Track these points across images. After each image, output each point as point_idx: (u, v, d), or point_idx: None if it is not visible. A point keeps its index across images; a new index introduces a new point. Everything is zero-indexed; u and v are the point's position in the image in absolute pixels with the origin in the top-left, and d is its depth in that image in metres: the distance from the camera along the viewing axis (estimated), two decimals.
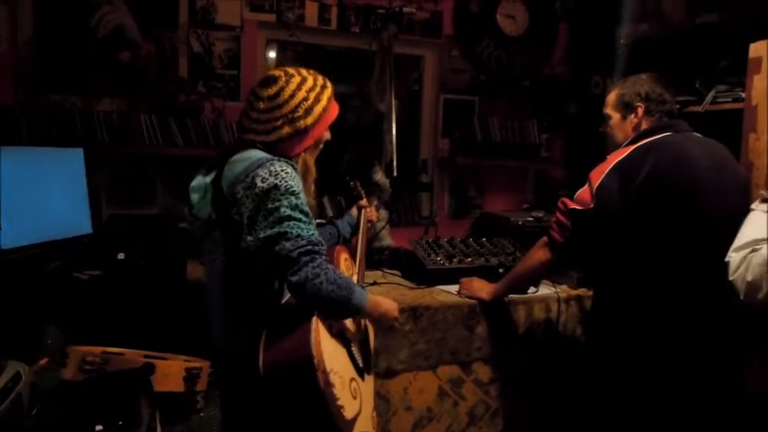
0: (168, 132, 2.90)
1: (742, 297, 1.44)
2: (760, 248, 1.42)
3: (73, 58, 2.81)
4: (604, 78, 3.44)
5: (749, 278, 1.41)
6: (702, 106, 2.60)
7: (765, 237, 1.44)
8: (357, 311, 1.37)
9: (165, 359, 1.69)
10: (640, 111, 1.87)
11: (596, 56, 3.47)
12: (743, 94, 2.40)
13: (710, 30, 2.64)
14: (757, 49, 2.21)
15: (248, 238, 1.29)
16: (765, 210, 1.53)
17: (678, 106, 2.03)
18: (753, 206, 1.57)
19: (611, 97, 1.96)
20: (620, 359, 1.78)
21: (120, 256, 2.30)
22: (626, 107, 1.90)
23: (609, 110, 1.96)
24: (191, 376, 1.71)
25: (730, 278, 1.47)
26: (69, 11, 2.79)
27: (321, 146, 1.51)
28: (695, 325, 1.68)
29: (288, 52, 3.31)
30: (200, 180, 1.42)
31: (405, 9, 3.16)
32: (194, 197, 1.41)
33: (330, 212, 3.13)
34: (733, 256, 1.49)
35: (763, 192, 1.60)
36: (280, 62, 3.32)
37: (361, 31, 3.27)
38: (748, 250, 1.45)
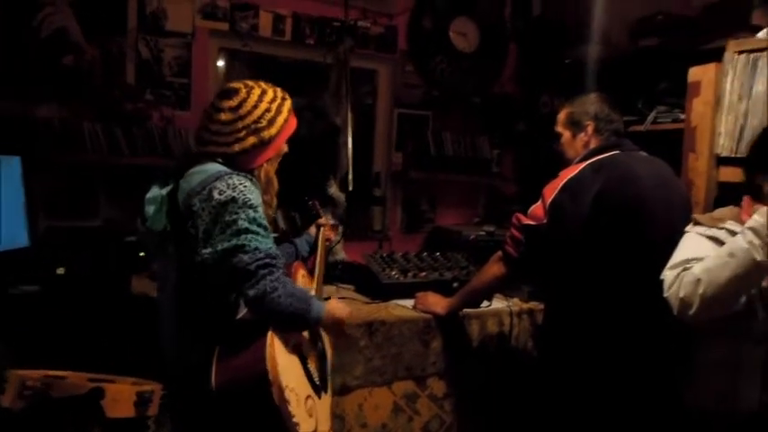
0: (113, 141, 2.78)
1: (675, 313, 1.51)
2: (691, 267, 1.50)
3: (11, 59, 2.67)
4: (552, 97, 3.55)
5: (681, 294, 1.48)
6: (644, 126, 2.72)
7: (696, 257, 1.52)
8: (316, 323, 1.36)
9: (112, 382, 1.59)
10: (590, 129, 1.94)
11: (544, 75, 3.59)
12: (682, 116, 2.53)
13: (651, 53, 2.77)
14: (696, 73, 2.33)
15: (204, 250, 1.26)
16: (697, 232, 1.61)
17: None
18: (687, 229, 1.65)
19: (562, 116, 2.03)
20: (570, 372, 1.82)
21: (60, 270, 2.18)
22: (576, 125, 1.97)
23: (560, 128, 2.02)
24: (142, 400, 1.61)
25: (665, 295, 1.54)
26: (9, 9, 2.65)
27: (279, 159, 1.50)
28: (639, 339, 1.74)
29: (236, 62, 3.25)
30: (155, 192, 1.38)
31: (360, 23, 3.18)
32: (149, 209, 1.37)
33: (282, 226, 3.07)
34: (667, 274, 1.56)
35: (695, 216, 1.69)
36: (229, 72, 3.26)
37: (315, 43, 3.25)
38: (680, 269, 1.52)
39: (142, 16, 2.89)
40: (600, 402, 1.77)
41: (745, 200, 1.63)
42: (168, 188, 1.35)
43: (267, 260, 1.25)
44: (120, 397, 1.58)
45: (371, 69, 3.57)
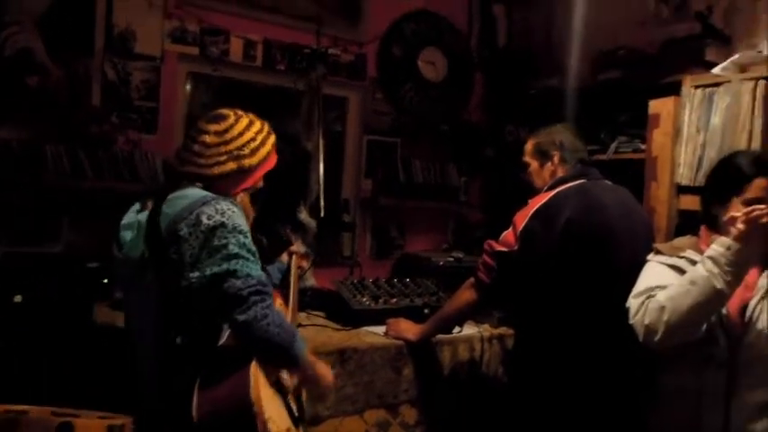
0: (77, 164, 2.71)
1: (641, 340, 1.55)
2: (655, 295, 1.54)
3: None
4: (517, 126, 3.64)
5: (646, 322, 1.52)
6: (607, 155, 2.82)
7: (660, 284, 1.57)
8: (295, 362, 1.34)
9: (77, 416, 1.52)
10: (556, 158, 2.00)
11: (510, 105, 3.68)
12: (642, 146, 2.63)
13: (613, 86, 2.88)
14: (656, 106, 2.44)
15: (192, 274, 1.23)
16: (659, 261, 1.67)
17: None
18: (649, 257, 1.71)
19: (529, 146, 2.08)
20: (539, 397, 1.84)
21: (17, 298, 2.09)
22: (543, 155, 2.03)
23: (527, 158, 2.08)
24: None
25: (630, 322, 1.58)
26: None
27: (253, 192, 1.50)
28: (605, 366, 1.78)
29: (201, 85, 3.23)
30: (132, 217, 1.35)
31: (330, 50, 3.21)
32: (126, 235, 1.34)
33: None
34: (632, 302, 1.61)
35: (656, 245, 1.74)
36: (197, 96, 3.23)
37: (286, 69, 3.26)
38: (645, 296, 1.57)
39: (110, 38, 2.85)
40: (568, 428, 1.78)
41: (703, 229, 1.70)
42: (147, 213, 1.32)
43: (259, 287, 1.23)
44: None
45: (342, 96, 3.60)
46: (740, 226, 1.42)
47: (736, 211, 1.49)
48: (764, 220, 1.39)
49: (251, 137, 1.41)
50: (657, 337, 1.51)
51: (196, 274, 1.23)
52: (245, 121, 1.42)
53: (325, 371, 1.50)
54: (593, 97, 2.97)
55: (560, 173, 1.98)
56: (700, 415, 1.56)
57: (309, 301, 2.49)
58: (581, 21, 3.22)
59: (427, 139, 3.71)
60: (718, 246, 1.45)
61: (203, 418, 1.21)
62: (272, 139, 1.48)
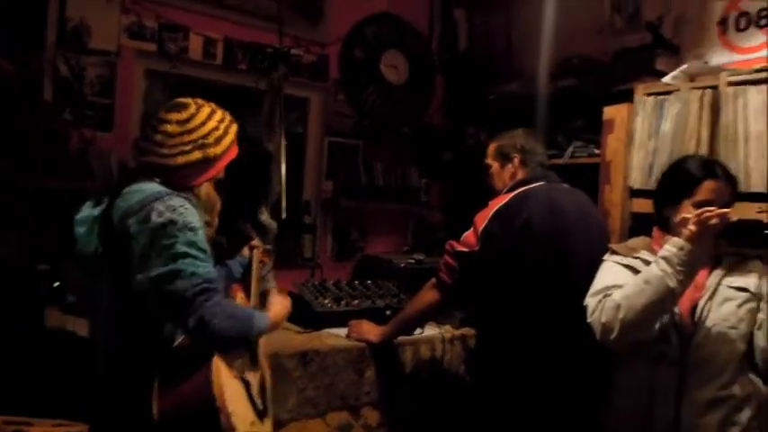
0: (26, 161, 2.60)
1: (598, 338, 1.60)
2: (611, 294, 1.59)
3: None
4: (478, 129, 3.70)
5: (603, 320, 1.57)
6: (563, 159, 2.89)
7: (615, 284, 1.62)
8: (261, 334, 1.36)
9: (30, 425, 1.46)
10: (516, 161, 2.05)
11: (470, 108, 3.73)
12: (596, 151, 2.71)
13: (570, 92, 2.96)
14: (610, 112, 2.52)
15: (138, 275, 1.20)
16: (614, 261, 1.73)
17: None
18: (605, 257, 1.76)
19: (491, 149, 2.13)
20: (500, 395, 1.88)
21: None
22: (504, 157, 2.08)
23: (489, 160, 2.12)
24: None
25: (588, 320, 1.63)
26: None
27: (214, 182, 1.46)
28: (563, 363, 1.82)
29: (158, 82, 3.15)
30: (86, 212, 1.31)
31: (292, 50, 3.19)
32: (79, 230, 1.29)
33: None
34: (589, 301, 1.66)
35: (612, 246, 1.80)
36: (154, 94, 3.15)
37: (247, 68, 3.22)
38: (602, 295, 1.62)
39: (63, 32, 2.75)
40: (528, 425, 1.82)
41: (655, 230, 1.77)
42: (101, 207, 1.28)
43: (204, 285, 1.20)
44: None
45: (303, 97, 3.57)
46: (691, 227, 1.48)
47: (687, 212, 1.55)
48: (713, 221, 1.45)
49: (214, 126, 1.38)
50: (614, 335, 1.56)
51: (143, 275, 1.20)
52: (206, 110, 1.40)
53: (280, 306, 1.53)
54: (550, 103, 3.04)
55: (520, 175, 2.03)
56: (652, 410, 1.61)
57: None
58: (540, 27, 3.30)
59: (389, 141, 3.73)
60: (671, 246, 1.51)
61: (165, 417, 1.19)
62: (235, 128, 1.45)
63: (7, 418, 1.46)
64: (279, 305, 1.53)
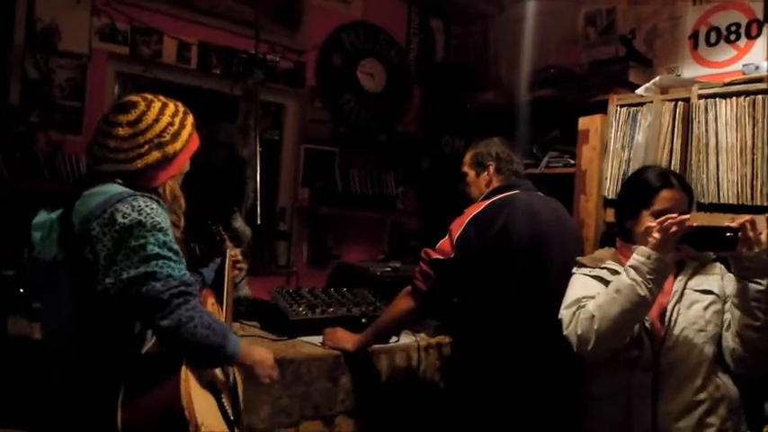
0: None
1: (575, 349, 1.61)
2: (585, 305, 1.61)
3: None
4: (454, 137, 3.72)
5: (579, 332, 1.58)
6: (539, 169, 2.92)
7: (587, 295, 1.63)
8: (231, 359, 1.28)
9: None
10: (492, 169, 2.06)
11: (446, 117, 3.75)
12: (571, 161, 2.74)
13: (545, 103, 2.99)
14: (585, 122, 2.55)
15: (107, 279, 1.15)
16: (582, 273, 1.74)
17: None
18: (573, 270, 1.78)
19: (467, 157, 2.14)
20: (476, 404, 1.87)
21: None
22: (480, 165, 2.09)
23: (465, 168, 2.13)
24: None
25: (564, 333, 1.64)
26: None
27: (182, 177, 1.42)
28: (540, 371, 1.82)
29: (130, 86, 3.08)
30: (44, 216, 1.25)
31: (269, 56, 3.16)
32: (37, 235, 1.24)
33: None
34: (564, 314, 1.67)
35: (578, 258, 1.82)
36: (125, 97, 3.08)
37: (222, 73, 3.18)
38: (575, 307, 1.63)
39: (31, 32, 2.68)
40: None
41: (618, 241, 1.79)
42: (59, 211, 1.23)
43: (182, 288, 1.16)
44: None
45: (279, 103, 3.54)
46: (656, 235, 1.50)
47: (648, 222, 1.58)
48: (673, 229, 1.48)
49: (168, 121, 1.32)
50: (590, 346, 1.56)
51: (111, 279, 1.15)
52: (157, 105, 1.33)
53: (264, 355, 1.44)
54: (526, 112, 3.07)
55: (495, 183, 2.04)
56: (629, 416, 1.62)
57: (244, 311, 2.41)
58: (516, 38, 3.34)
59: (365, 148, 3.72)
60: (639, 255, 1.53)
61: (130, 429, 1.14)
62: (191, 118, 1.39)
63: None
64: (262, 350, 1.47)
